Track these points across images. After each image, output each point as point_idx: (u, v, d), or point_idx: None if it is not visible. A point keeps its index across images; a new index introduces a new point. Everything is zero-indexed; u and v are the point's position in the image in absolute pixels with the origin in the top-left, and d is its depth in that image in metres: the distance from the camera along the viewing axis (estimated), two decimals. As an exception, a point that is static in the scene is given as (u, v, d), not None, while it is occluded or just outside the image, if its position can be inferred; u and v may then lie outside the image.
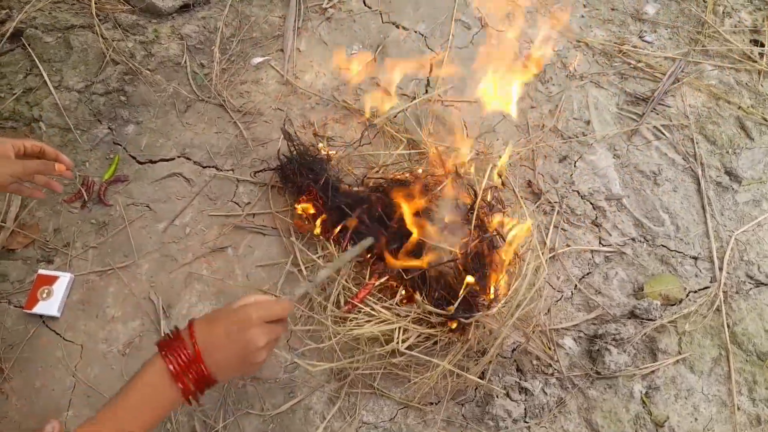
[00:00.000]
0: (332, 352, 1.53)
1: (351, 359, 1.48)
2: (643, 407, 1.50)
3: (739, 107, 1.91)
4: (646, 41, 2.03)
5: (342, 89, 1.97)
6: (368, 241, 1.38)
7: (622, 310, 1.61)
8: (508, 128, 1.89)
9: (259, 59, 2.03)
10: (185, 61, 1.99)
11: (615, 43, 2.03)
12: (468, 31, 2.09)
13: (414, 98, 1.93)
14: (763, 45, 2.01)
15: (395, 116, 1.88)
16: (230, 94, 1.96)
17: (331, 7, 2.12)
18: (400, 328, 1.43)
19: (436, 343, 1.51)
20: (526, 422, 1.47)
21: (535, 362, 1.53)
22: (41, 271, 1.64)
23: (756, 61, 1.97)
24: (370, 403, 1.51)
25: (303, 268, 1.62)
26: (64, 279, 1.63)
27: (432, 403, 1.50)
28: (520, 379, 1.51)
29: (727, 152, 1.84)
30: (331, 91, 1.96)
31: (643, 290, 1.63)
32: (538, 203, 1.75)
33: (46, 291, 1.61)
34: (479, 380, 1.48)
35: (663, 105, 1.92)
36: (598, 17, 2.10)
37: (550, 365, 1.53)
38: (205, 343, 0.90)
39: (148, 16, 2.05)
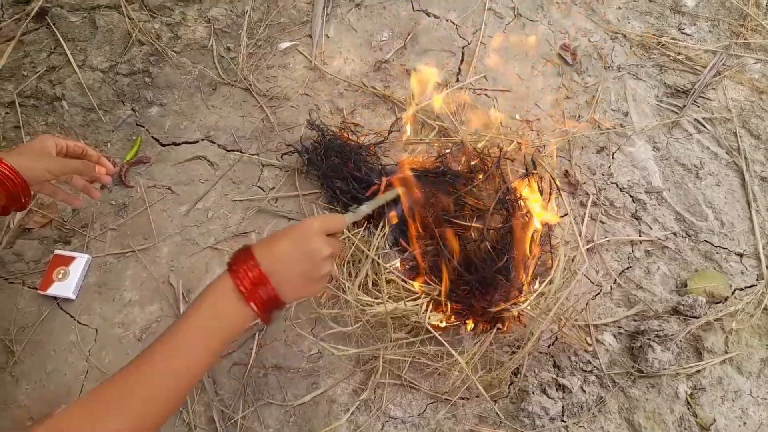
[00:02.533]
0: (358, 340, 1.46)
1: (378, 346, 1.41)
2: (688, 409, 1.41)
3: (785, 102, 1.83)
4: (685, 33, 1.96)
5: (371, 76, 1.92)
6: (397, 192, 1.33)
7: (664, 306, 1.52)
8: (542, 118, 1.82)
9: (286, 44, 1.98)
10: (212, 45, 1.95)
11: (653, 34, 1.96)
12: (501, 20, 2.03)
13: (447, 85, 1.87)
14: (807, 40, 1.94)
15: (426, 104, 1.82)
16: (256, 78, 1.91)
17: (360, -7, 2.08)
18: (429, 300, 1.36)
19: (467, 326, 1.44)
20: (563, 421, 1.38)
21: (573, 358, 1.45)
22: (58, 252, 1.59)
23: (801, 55, 1.89)
24: (397, 397, 1.43)
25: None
26: (81, 260, 1.57)
27: (464, 398, 1.42)
28: (558, 376, 1.43)
29: (773, 147, 1.77)
30: (360, 78, 1.91)
31: (686, 286, 1.54)
32: (575, 194, 1.67)
33: (62, 272, 1.55)
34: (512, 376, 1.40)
35: (704, 98, 1.85)
36: (635, 9, 2.04)
37: (590, 362, 1.44)
38: (269, 263, 0.85)
39: (175, -1, 2.01)
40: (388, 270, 1.46)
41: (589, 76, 1.91)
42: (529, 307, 1.38)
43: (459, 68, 1.93)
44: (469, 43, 1.98)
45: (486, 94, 1.88)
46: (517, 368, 1.44)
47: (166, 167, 1.75)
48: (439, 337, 1.33)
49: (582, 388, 1.41)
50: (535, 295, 1.36)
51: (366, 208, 1.17)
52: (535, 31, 2.00)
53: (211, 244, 1.64)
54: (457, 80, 1.90)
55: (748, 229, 1.64)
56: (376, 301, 1.41)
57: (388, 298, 1.39)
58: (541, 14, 2.03)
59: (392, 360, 1.43)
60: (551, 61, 1.94)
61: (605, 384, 1.43)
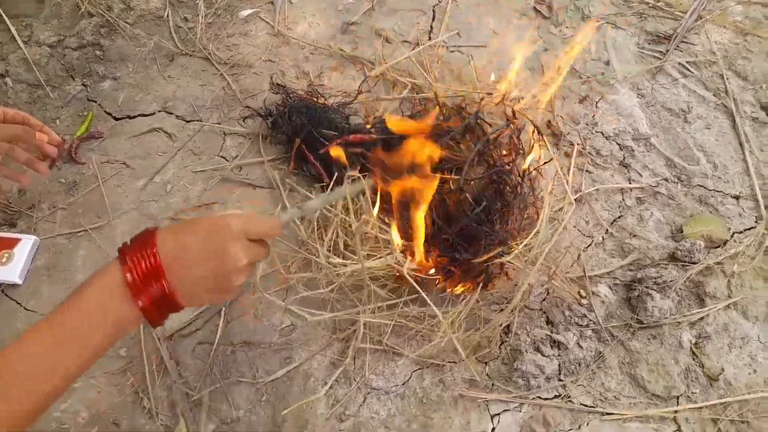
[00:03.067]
0: (333, 306, 1.34)
1: (356, 309, 1.29)
2: (694, 359, 1.30)
3: (770, 41, 1.75)
4: (664, -21, 1.89)
5: (338, 38, 1.81)
6: (368, 182, 1.18)
7: (660, 253, 1.42)
8: (521, 71, 1.72)
9: (247, 11, 1.87)
10: (167, 15, 1.84)
11: (630, -18, 1.88)
12: (470, -23, 1.94)
13: (418, 44, 1.77)
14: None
15: (397, 62, 1.72)
16: (216, 47, 1.79)
17: (323, -42, 1.98)
18: (406, 251, 1.24)
19: (453, 289, 1.33)
20: (560, 380, 1.27)
21: (567, 313, 1.34)
22: (0, 234, 1.45)
23: (784, -6, 1.82)
24: (379, 366, 1.30)
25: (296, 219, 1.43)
26: (27, 242, 1.44)
27: (452, 362, 1.30)
28: (552, 332, 1.31)
29: (761, 87, 1.68)
30: (326, 41, 1.80)
31: (682, 232, 1.44)
32: (558, 145, 1.57)
33: (6, 255, 1.42)
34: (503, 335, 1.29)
35: (687, 43, 1.77)
36: (610, -41, 1.96)
37: (585, 316, 1.33)
38: (170, 255, 0.71)
39: (126, -29, 1.90)
40: (361, 223, 1.34)
41: (567, 27, 1.83)
42: (516, 259, 1.27)
43: (431, 26, 1.84)
44: (440, 2, 1.88)
45: (460, 51, 1.78)
46: (508, 326, 1.33)
47: (121, 141, 1.63)
48: (422, 293, 1.21)
49: (578, 343, 1.30)
50: (522, 245, 1.25)
51: (316, 204, 0.98)
52: (508, -14, 1.91)
53: (171, 218, 1.51)
54: (429, 38, 1.80)
55: (742, 170, 1.55)
56: (350, 261, 1.29)
57: (364, 256, 1.27)
58: (512, -31, 1.95)
59: (372, 325, 1.31)
60: (526, 15, 1.85)
61: (603, 338, 1.32)
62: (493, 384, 1.27)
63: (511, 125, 1.49)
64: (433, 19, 1.85)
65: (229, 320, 1.37)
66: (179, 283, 0.71)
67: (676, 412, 1.24)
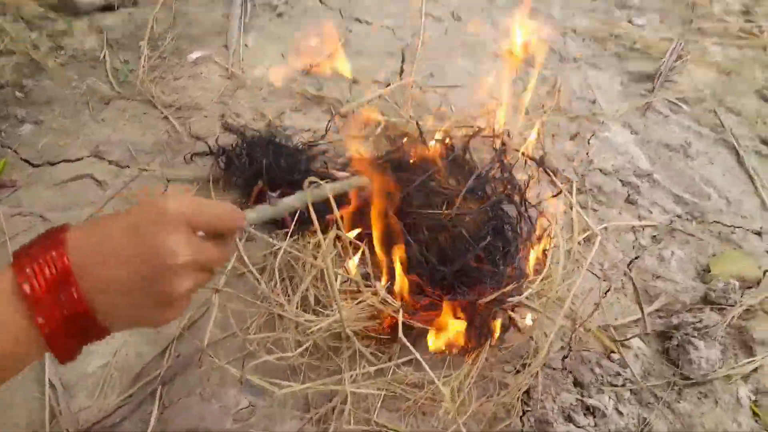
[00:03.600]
0: (305, 374, 1.04)
1: (336, 377, 0.99)
2: (757, 420, 1.05)
3: (754, 79, 1.68)
4: (637, 24, 1.83)
5: (301, 81, 1.63)
6: (359, 180, 0.94)
7: (691, 296, 1.21)
8: (501, 112, 1.58)
9: (198, 54, 1.68)
10: (104, 56, 1.62)
11: (605, 26, 1.82)
12: (440, 23, 1.83)
13: (389, 85, 1.61)
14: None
15: (368, 102, 1.54)
16: (161, 91, 1.57)
17: (284, 3, 1.84)
18: (401, 307, 0.97)
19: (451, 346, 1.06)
20: (602, 457, 0.99)
21: (597, 371, 1.08)
22: None
23: (758, 36, 1.79)
24: (369, 448, 0.99)
25: (252, 269, 1.15)
26: None
27: (461, 443, 1.00)
28: (583, 396, 1.05)
29: (756, 122, 1.58)
30: (287, 83, 1.62)
31: (709, 271, 1.25)
32: (555, 183, 1.39)
33: None
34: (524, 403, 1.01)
35: (671, 81, 1.68)
36: (579, 6, 1.91)
37: (619, 374, 1.08)
38: (83, 257, 0.48)
39: (62, 13, 1.70)
40: (341, 275, 1.08)
41: (546, 69, 1.71)
42: (532, 302, 1.03)
43: (401, 68, 1.68)
44: (408, 45, 1.75)
45: (435, 91, 1.62)
46: (527, 392, 1.06)
47: (38, 190, 1.34)
48: (415, 353, 0.93)
49: (617, 408, 1.04)
50: (539, 280, 1.02)
51: (293, 201, 0.73)
52: (479, 32, 1.81)
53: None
54: (401, 78, 1.65)
55: (758, 205, 1.40)
56: (324, 315, 1.02)
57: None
58: (482, 15, 1.86)
59: (357, 397, 1.01)
60: (501, 57, 1.74)
61: (645, 400, 1.06)
62: (519, 468, 0.98)
63: (503, 157, 1.31)
64: (403, 61, 1.70)
65: (167, 404, 1.05)
66: (97, 293, 0.48)
67: (749, 490, 0.97)
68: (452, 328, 1.00)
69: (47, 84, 1.54)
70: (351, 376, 0.99)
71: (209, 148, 1.36)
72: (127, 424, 1.02)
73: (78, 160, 1.40)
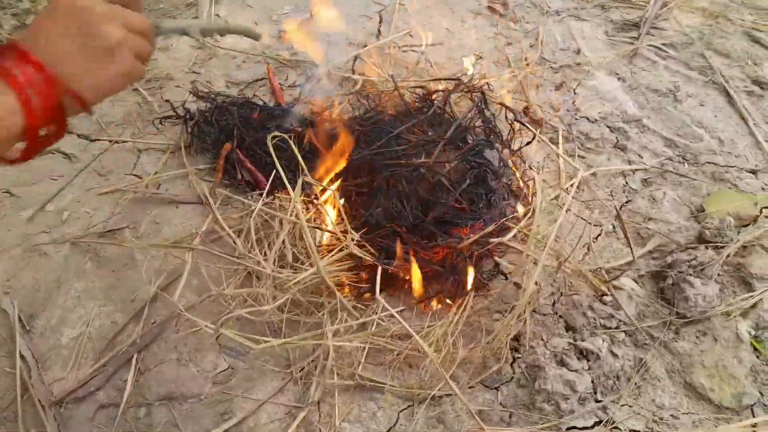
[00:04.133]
0: (284, 332, 1.00)
1: (317, 330, 0.95)
2: (758, 356, 1.00)
3: (743, 21, 1.63)
4: (619, -26, 1.78)
5: (275, 47, 1.59)
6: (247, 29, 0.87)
7: (686, 235, 1.16)
8: (485, 65, 1.53)
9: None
10: (71, 34, 1.58)
11: (586, -22, 1.77)
12: (418, -16, 1.79)
13: (365, 46, 1.56)
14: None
15: (347, 62, 1.49)
16: (131, 65, 1.53)
17: (254, -27, 1.80)
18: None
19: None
20: (598, 400, 0.94)
21: (589, 314, 1.04)
22: None
23: (745, -21, 1.74)
24: (354, 408, 0.95)
25: (229, 231, 1.11)
26: None
27: (450, 394, 0.96)
28: (575, 340, 1.00)
29: (747, 64, 1.53)
30: (261, 50, 1.57)
31: (703, 211, 1.20)
32: (541, 132, 1.34)
33: None
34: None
35: (657, 28, 1.63)
36: (559, -40, 1.86)
37: (612, 316, 1.03)
38: (32, 39, 0.56)
39: (26, -6, 1.66)
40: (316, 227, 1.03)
41: (527, 23, 1.66)
42: (516, 244, 0.99)
43: (378, 30, 1.64)
44: (385, 7, 1.70)
45: (413, 50, 1.57)
46: (517, 339, 1.01)
47: (4, 167, 1.29)
48: (390, 309, 0.89)
49: (611, 351, 0.99)
50: (524, 220, 0.97)
51: (200, 23, 0.75)
52: (458, -10, 1.76)
53: (66, 252, 1.16)
54: (378, 38, 1.60)
55: (751, 144, 1.35)
56: (303, 268, 0.97)
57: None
58: (460, -26, 1.81)
59: (340, 352, 0.96)
60: (481, 14, 1.69)
61: (641, 342, 1.01)
62: (510, 415, 0.93)
63: (483, 106, 1.26)
64: (381, 23, 1.65)
65: (143, 370, 1.00)
66: (53, 60, 0.56)
67: (754, 426, 0.93)
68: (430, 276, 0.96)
69: (14, 63, 1.49)
70: (333, 330, 0.94)
71: (175, 112, 1.31)
72: (101, 394, 0.98)
73: (46, 135, 1.36)
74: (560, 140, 1.31)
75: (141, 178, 1.28)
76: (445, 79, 1.35)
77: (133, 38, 0.61)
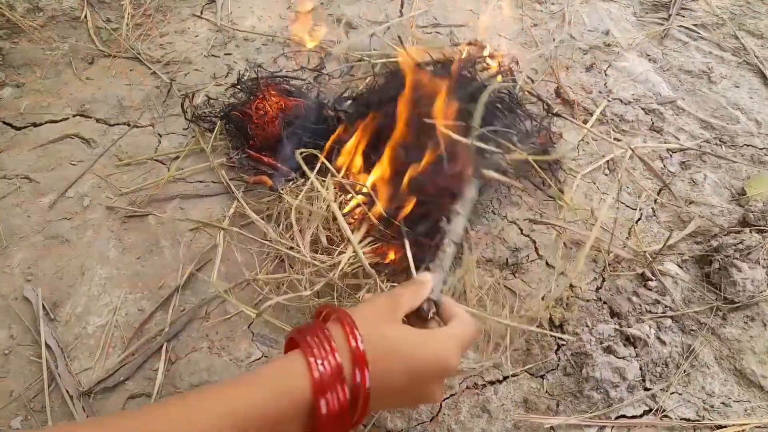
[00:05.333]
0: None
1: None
2: (811, 342, 0.97)
3: (775, 1, 1.59)
4: (645, -46, 1.74)
5: (292, 29, 1.54)
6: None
7: (728, 219, 1.12)
8: (511, 47, 1.49)
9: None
10: (86, 15, 1.53)
11: (612, -42, 1.72)
12: (439, -34, 1.74)
13: (388, 23, 1.52)
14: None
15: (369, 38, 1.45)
16: (147, 47, 1.49)
17: (269, -45, 1.75)
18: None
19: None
20: (647, 388, 0.91)
21: (634, 300, 1.00)
22: None
23: (776, -42, 1.69)
24: (393, 398, 0.91)
25: (257, 218, 1.07)
26: None
27: (494, 382, 0.92)
28: (621, 326, 0.97)
29: (781, 44, 1.49)
30: (281, 33, 1.53)
31: (745, 194, 1.16)
32: (573, 113, 1.30)
33: None
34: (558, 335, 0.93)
35: (686, 9, 1.59)
36: (583, -60, 1.81)
37: (657, 302, 1.00)
38: (376, 384, 0.55)
39: (37, -25, 1.61)
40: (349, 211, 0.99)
41: (552, 4, 1.62)
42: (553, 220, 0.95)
43: (400, 11, 1.59)
44: (406, -13, 1.66)
45: (438, 32, 1.53)
46: (561, 325, 0.98)
47: (21, 153, 1.26)
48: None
49: (659, 337, 0.96)
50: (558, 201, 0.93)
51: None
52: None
53: (89, 238, 1.12)
54: (401, 16, 1.56)
55: (790, 125, 1.31)
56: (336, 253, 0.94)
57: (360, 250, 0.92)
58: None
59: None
60: (506, -5, 1.65)
61: (688, 328, 0.98)
62: (558, 404, 0.90)
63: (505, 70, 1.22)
64: (402, 5, 1.61)
65: (173, 359, 0.97)
66: (375, 406, 0.57)
67: (810, 414, 0.90)
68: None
69: (26, 46, 1.45)
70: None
71: (209, 115, 1.26)
72: (131, 384, 0.95)
73: (63, 119, 1.32)
74: (594, 118, 1.27)
75: (164, 164, 1.24)
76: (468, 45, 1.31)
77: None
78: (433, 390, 0.60)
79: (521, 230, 1.10)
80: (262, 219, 1.07)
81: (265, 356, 0.97)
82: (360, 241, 0.96)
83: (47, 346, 0.97)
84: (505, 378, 0.92)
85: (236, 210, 1.12)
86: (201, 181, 1.21)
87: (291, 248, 0.97)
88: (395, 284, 0.95)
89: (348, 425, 0.53)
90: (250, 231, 1.09)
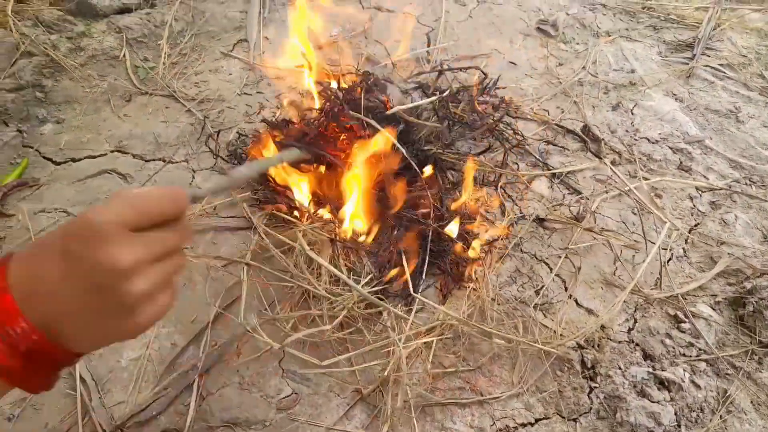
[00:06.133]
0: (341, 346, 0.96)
1: (384, 339, 0.91)
2: None
3: (801, 41, 1.60)
4: (668, -4, 1.77)
5: (327, 68, 1.58)
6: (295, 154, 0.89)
7: (761, 260, 1.11)
8: (535, 86, 1.51)
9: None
10: (124, 55, 1.59)
11: (635, 1, 1.75)
12: (464, 7, 1.78)
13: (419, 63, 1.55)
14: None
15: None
16: (182, 85, 1.54)
17: (300, -4, 1.81)
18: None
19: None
20: (683, 434, 0.89)
21: (667, 342, 0.99)
22: None
23: (800, -1, 1.71)
24: (426, 425, 0.91)
25: (275, 252, 1.09)
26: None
27: (525, 425, 0.91)
28: (654, 369, 0.96)
29: (808, 84, 1.50)
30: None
31: (777, 235, 1.15)
32: (600, 152, 1.31)
33: None
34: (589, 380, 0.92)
35: (712, 49, 1.60)
36: (606, -18, 1.85)
37: (691, 345, 0.99)
38: (24, 287, 0.46)
39: (80, 17, 1.68)
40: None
41: (578, 44, 1.65)
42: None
43: (427, 52, 1.63)
44: (433, 29, 1.70)
45: (465, 72, 1.56)
46: (593, 367, 0.97)
47: (62, 187, 1.29)
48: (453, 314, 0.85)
49: (693, 381, 0.94)
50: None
51: (245, 171, 0.69)
52: (505, 12, 1.75)
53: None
54: (428, 62, 1.59)
55: (820, 166, 1.31)
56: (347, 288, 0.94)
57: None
58: (507, -3, 1.81)
59: (405, 371, 0.93)
60: (530, 35, 1.68)
61: (723, 371, 0.96)
62: (592, 448, 0.89)
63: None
64: (429, 45, 1.65)
65: (205, 395, 0.98)
66: (49, 321, 0.46)
67: None
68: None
69: (67, 84, 1.50)
70: (401, 338, 0.91)
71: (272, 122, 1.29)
72: (163, 419, 0.95)
73: (101, 155, 1.36)
74: (619, 159, 1.27)
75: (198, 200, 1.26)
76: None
77: (162, 274, 0.49)
78: (107, 249, 0.44)
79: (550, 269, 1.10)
80: (283, 254, 1.09)
81: (295, 393, 0.97)
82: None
83: (82, 379, 0.99)
84: (537, 420, 0.91)
85: (257, 244, 1.14)
86: (233, 216, 1.23)
87: (309, 283, 0.98)
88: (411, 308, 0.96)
89: (18, 343, 0.45)
90: (272, 264, 1.11)
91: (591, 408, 0.93)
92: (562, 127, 1.35)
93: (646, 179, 1.26)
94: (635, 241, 1.13)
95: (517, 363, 0.93)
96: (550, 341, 0.94)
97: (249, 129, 1.40)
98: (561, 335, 0.95)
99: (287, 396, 0.97)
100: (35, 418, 0.95)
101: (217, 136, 1.36)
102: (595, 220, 1.17)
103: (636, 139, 1.35)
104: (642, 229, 1.15)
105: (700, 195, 1.24)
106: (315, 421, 0.93)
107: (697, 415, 0.91)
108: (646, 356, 0.98)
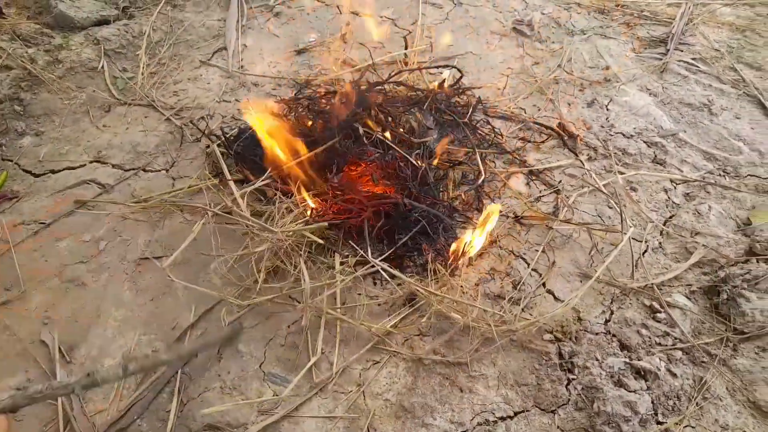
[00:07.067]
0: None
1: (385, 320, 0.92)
2: (825, 373, 0.96)
3: (772, 34, 1.63)
4: (640, -7, 1.79)
5: (303, 73, 1.59)
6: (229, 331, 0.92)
7: (735, 249, 1.13)
8: (512, 84, 1.52)
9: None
10: (102, 66, 1.59)
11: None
12: (441, 10, 1.80)
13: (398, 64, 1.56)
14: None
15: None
16: (161, 95, 1.54)
17: (279, 4, 1.82)
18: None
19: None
20: (659, 422, 0.90)
21: (643, 332, 1.00)
22: None
23: (770, -6, 1.74)
24: (407, 422, 0.91)
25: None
26: None
27: (504, 418, 0.92)
28: (631, 359, 0.97)
29: (779, 75, 1.52)
30: (291, 77, 1.58)
31: (750, 224, 1.17)
32: (576, 148, 1.33)
33: None
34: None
35: (685, 43, 1.62)
36: (580, -19, 1.87)
37: (667, 334, 1.00)
38: None
39: (58, 30, 1.68)
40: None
41: (553, 42, 1.67)
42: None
43: (405, 54, 1.64)
44: (410, 32, 1.71)
45: (441, 72, 1.58)
46: (571, 360, 0.98)
47: (41, 199, 1.30)
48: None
49: (669, 370, 0.95)
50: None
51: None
52: (481, 13, 1.77)
53: (104, 282, 1.15)
54: (405, 64, 1.61)
55: (792, 155, 1.33)
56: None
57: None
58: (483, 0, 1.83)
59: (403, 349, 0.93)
60: (506, 36, 1.70)
61: (699, 359, 0.98)
62: (570, 439, 0.89)
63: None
64: (406, 47, 1.66)
65: (186, 400, 0.98)
66: None
67: (828, 446, 0.88)
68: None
69: (45, 96, 1.51)
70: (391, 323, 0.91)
71: (224, 145, 1.31)
72: (144, 424, 0.95)
73: (80, 166, 1.36)
74: (597, 155, 1.29)
75: (178, 206, 1.27)
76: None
77: None
78: None
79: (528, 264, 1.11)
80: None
81: (276, 395, 0.97)
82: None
83: (62, 388, 0.99)
84: (516, 413, 0.92)
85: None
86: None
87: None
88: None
89: None
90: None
91: (569, 399, 0.93)
92: (538, 124, 1.36)
93: (621, 173, 1.28)
94: (610, 231, 1.14)
95: (498, 357, 0.94)
96: (512, 322, 0.95)
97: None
98: (531, 322, 0.96)
99: (270, 397, 0.97)
100: (17, 428, 0.95)
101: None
102: (572, 213, 1.18)
103: (611, 134, 1.37)
104: (621, 221, 1.16)
105: (675, 187, 1.25)
106: (297, 424, 0.93)
107: (674, 403, 0.92)
108: (623, 347, 0.99)
